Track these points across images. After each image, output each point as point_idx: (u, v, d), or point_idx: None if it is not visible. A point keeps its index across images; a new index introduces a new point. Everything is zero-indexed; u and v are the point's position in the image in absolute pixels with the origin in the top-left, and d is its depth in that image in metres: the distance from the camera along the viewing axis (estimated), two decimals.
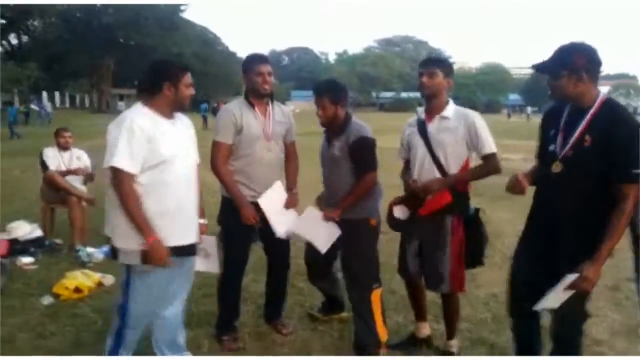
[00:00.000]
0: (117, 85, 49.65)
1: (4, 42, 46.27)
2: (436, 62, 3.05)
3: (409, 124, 3.20)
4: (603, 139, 2.22)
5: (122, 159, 2.37)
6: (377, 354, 3.14)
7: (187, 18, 50.18)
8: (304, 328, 3.58)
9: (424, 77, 2.97)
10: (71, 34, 44.36)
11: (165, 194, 2.50)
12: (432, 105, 3.03)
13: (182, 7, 48.11)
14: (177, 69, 2.59)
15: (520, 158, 12.80)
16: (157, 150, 2.45)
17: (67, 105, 47.33)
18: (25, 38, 48.62)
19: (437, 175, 2.97)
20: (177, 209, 2.55)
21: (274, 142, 3.26)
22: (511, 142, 18.79)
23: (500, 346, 3.31)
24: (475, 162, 3.06)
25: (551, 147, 2.42)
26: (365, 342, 3.14)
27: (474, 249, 3.04)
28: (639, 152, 2.16)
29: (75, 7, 43.78)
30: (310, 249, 3.44)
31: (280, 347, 3.34)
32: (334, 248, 3.29)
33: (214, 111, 26.52)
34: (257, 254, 3.66)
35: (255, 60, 3.22)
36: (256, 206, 3.18)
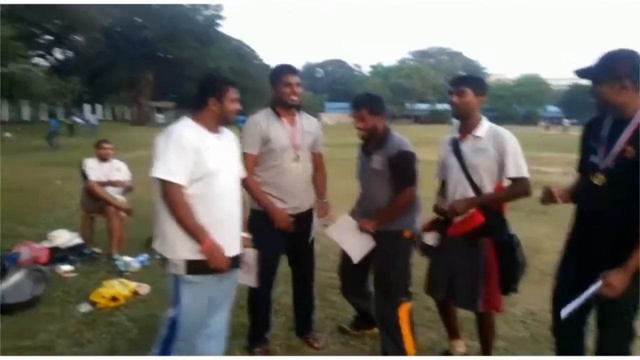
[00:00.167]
0: (155, 98, 50.88)
1: (49, 57, 48.15)
2: (465, 81, 2.99)
3: (445, 141, 3.14)
4: None
5: (171, 170, 2.42)
6: None
7: (223, 32, 51.18)
8: (335, 342, 3.56)
9: (453, 96, 2.94)
10: (112, 49, 45.79)
11: (211, 206, 2.52)
12: (465, 124, 2.98)
13: (218, 21, 49.09)
14: (221, 84, 2.64)
15: (559, 172, 12.48)
16: (203, 163, 2.48)
17: (108, 117, 48.67)
18: (69, 53, 50.49)
19: (472, 194, 2.91)
20: (222, 221, 2.57)
21: (302, 152, 3.25)
22: (549, 154, 18.39)
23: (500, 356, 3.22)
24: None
25: (592, 159, 2.35)
26: (390, 354, 3.09)
27: (507, 275, 2.93)
28: None
29: (116, 23, 45.23)
30: (344, 263, 3.42)
31: (300, 358, 3.33)
32: (367, 261, 3.26)
33: None
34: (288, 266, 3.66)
35: (284, 70, 3.21)
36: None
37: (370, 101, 3.14)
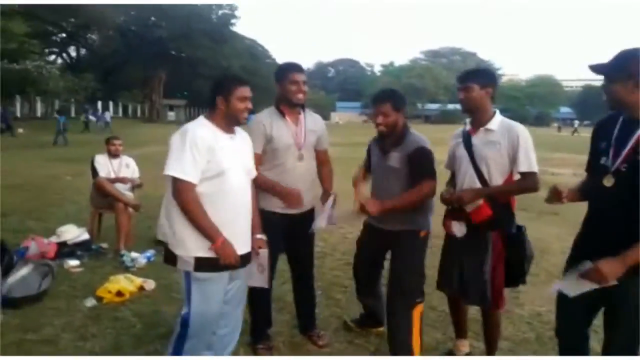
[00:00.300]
0: (167, 96, 51.25)
1: (64, 54, 48.69)
2: (469, 76, 2.96)
3: (456, 135, 3.13)
4: None
5: (183, 168, 2.42)
6: None
7: (237, 31, 51.43)
8: (339, 340, 3.54)
9: (460, 92, 2.94)
10: (126, 47, 46.27)
11: (222, 204, 2.52)
12: (476, 117, 2.96)
13: (232, 21, 49.33)
14: (229, 83, 2.62)
15: (569, 173, 12.35)
16: (215, 162, 2.48)
17: (120, 114, 49.12)
18: (83, 51, 51.03)
19: (479, 186, 2.89)
20: (233, 219, 2.57)
21: (306, 151, 3.22)
22: (561, 155, 18.20)
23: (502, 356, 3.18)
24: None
25: (603, 160, 2.30)
26: (398, 354, 3.07)
27: (515, 267, 2.92)
28: None
29: (131, 21, 45.60)
30: (358, 263, 3.46)
31: (307, 358, 3.31)
32: (381, 260, 3.34)
33: None
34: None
35: (290, 68, 3.17)
36: (283, 216, 3.18)
37: (394, 97, 3.10)
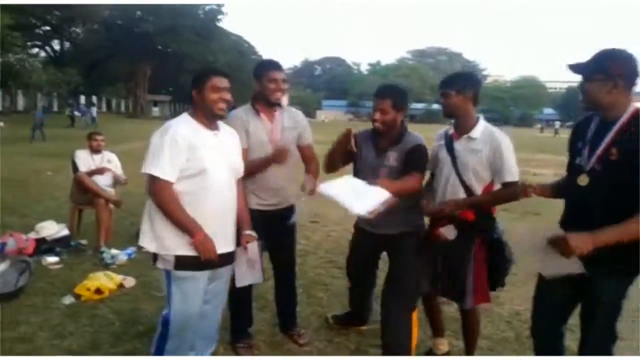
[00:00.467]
0: (152, 92, 50.77)
1: (47, 47, 47.93)
2: (447, 83, 2.94)
3: (439, 136, 3.12)
4: (629, 151, 2.12)
5: (160, 166, 2.39)
6: None
7: (223, 27, 51.02)
8: (320, 339, 3.53)
9: (441, 98, 2.94)
10: (111, 41, 45.60)
11: (202, 203, 2.49)
12: (459, 122, 2.96)
13: (218, 17, 48.94)
14: (201, 74, 2.57)
15: (552, 173, 12.50)
16: (196, 160, 2.44)
17: (104, 109, 48.57)
18: (67, 45, 50.26)
19: (462, 194, 2.89)
20: (215, 217, 2.53)
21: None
22: (543, 156, 18.44)
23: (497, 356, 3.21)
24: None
25: (578, 160, 2.34)
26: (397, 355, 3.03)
27: (496, 271, 2.95)
28: None
29: (117, 15, 45.02)
30: (353, 265, 3.45)
31: (295, 357, 3.30)
32: (374, 264, 3.36)
33: None
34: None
35: (269, 66, 3.11)
36: (261, 213, 3.12)
37: (396, 94, 2.97)
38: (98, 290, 4.03)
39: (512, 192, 2.80)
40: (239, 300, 3.28)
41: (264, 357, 3.28)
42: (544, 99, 76.34)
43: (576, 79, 2.36)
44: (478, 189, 2.89)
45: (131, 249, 5.16)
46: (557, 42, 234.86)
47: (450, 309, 3.41)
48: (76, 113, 31.95)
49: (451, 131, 3.00)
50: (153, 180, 2.41)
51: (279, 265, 3.49)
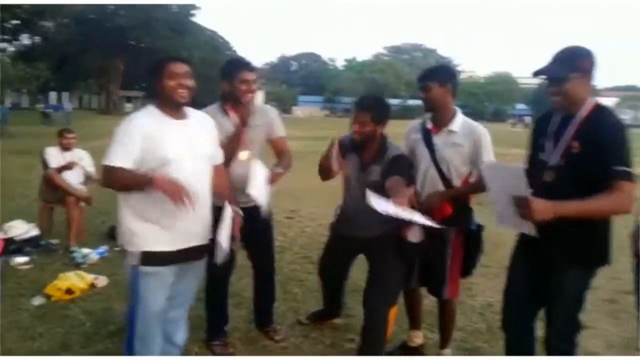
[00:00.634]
0: (125, 87, 49.93)
1: (15, 42, 46.67)
2: (428, 75, 2.94)
3: (413, 130, 3.11)
4: (590, 143, 2.16)
5: (114, 157, 2.32)
6: None
7: (198, 22, 50.51)
8: (295, 335, 3.53)
9: (420, 92, 2.93)
10: (83, 36, 44.60)
11: None
12: (438, 116, 2.97)
13: (192, 12, 48.38)
14: (157, 62, 2.48)
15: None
16: (157, 150, 2.35)
17: (75, 105, 47.56)
18: (37, 39, 49.02)
19: (441, 187, 2.92)
20: (183, 210, 2.36)
21: (251, 148, 3.09)
22: (517, 151, 18.66)
23: (495, 356, 3.25)
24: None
25: (541, 156, 2.37)
26: (369, 354, 3.01)
27: (467, 260, 3.03)
28: (626, 151, 2.12)
29: (89, 9, 44.08)
30: (325, 267, 3.45)
31: (270, 354, 3.30)
32: (347, 264, 3.35)
33: None
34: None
35: (240, 66, 3.00)
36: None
37: (378, 107, 2.91)
38: (69, 290, 3.96)
39: None
40: (215, 298, 3.27)
41: (240, 358, 3.24)
42: (516, 94, 77.40)
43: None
44: (457, 182, 2.93)
45: (103, 248, 5.08)
46: (528, 38, 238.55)
47: (425, 302, 3.44)
48: (49, 110, 31.26)
49: (429, 125, 3.01)
50: (106, 170, 2.34)
51: (258, 263, 3.46)
